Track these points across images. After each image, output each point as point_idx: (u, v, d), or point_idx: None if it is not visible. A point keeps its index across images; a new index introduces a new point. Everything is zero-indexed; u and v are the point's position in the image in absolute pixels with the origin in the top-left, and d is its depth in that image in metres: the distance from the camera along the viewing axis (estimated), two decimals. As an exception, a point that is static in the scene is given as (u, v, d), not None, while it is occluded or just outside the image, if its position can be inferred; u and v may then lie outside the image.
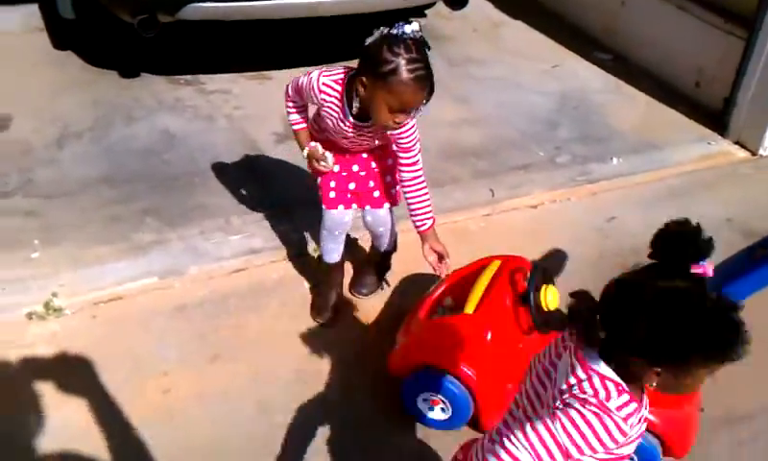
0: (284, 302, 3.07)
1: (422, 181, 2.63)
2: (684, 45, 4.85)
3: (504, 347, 2.47)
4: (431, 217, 2.65)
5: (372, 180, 2.78)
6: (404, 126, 2.48)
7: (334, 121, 2.54)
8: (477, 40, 5.52)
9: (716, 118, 4.60)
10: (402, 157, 2.58)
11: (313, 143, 2.69)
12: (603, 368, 1.49)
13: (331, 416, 2.61)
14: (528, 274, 2.51)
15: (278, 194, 3.62)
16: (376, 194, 2.81)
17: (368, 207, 2.85)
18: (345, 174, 2.76)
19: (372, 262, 3.12)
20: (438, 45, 5.24)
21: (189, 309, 2.99)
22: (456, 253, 2.92)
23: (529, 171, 3.96)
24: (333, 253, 2.93)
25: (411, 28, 2.27)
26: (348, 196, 2.80)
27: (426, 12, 5.41)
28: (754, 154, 4.38)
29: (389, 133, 2.52)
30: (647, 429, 2.25)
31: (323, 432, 2.55)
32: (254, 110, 4.32)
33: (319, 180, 2.78)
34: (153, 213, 3.43)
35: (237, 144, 4.01)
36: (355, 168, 2.76)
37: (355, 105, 2.45)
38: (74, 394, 2.60)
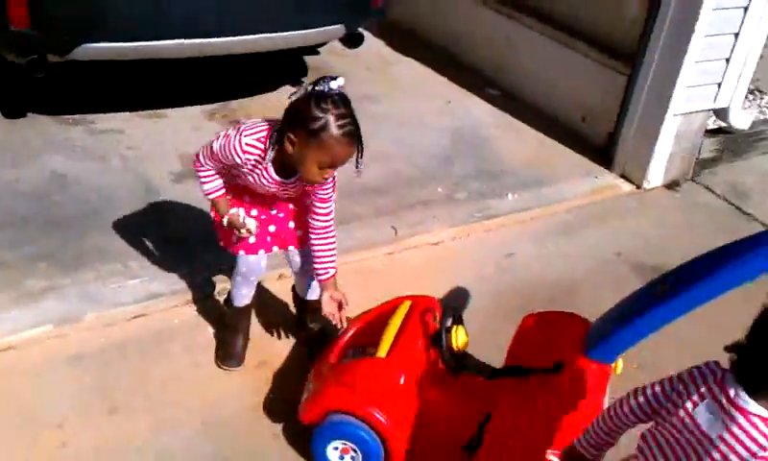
0: (187, 347, 3.00)
1: (332, 231, 2.64)
2: (570, 81, 5.05)
3: (415, 391, 2.48)
4: (334, 266, 2.66)
5: (291, 220, 2.75)
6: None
7: (256, 177, 2.51)
8: (371, 78, 5.59)
9: (602, 152, 4.80)
10: (317, 207, 2.59)
11: (234, 210, 2.64)
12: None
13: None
14: (438, 315, 2.54)
15: (177, 236, 3.54)
16: (299, 233, 2.77)
17: (291, 248, 2.81)
18: (264, 217, 2.72)
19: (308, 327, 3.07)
20: (331, 82, 5.29)
21: (86, 358, 2.89)
22: (361, 292, 2.95)
23: (429, 207, 4.02)
24: (245, 298, 2.89)
25: (336, 83, 2.28)
26: (268, 239, 2.75)
27: (320, 49, 5.44)
28: (638, 187, 4.59)
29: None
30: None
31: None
32: (149, 150, 4.23)
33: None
34: (45, 258, 3.30)
35: (133, 184, 3.91)
36: (273, 211, 2.72)
37: (279, 161, 2.44)
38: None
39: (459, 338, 2.52)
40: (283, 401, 2.79)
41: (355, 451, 2.49)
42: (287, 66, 5.43)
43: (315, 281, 2.83)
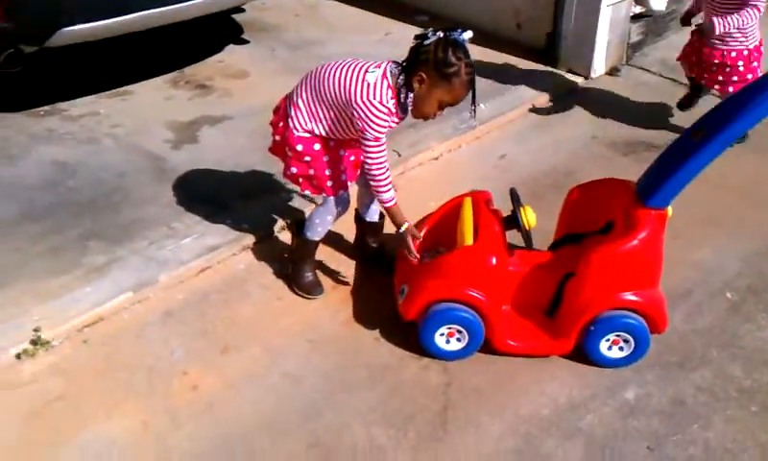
0: (263, 285, 3.20)
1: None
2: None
3: (501, 269, 2.80)
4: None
5: (353, 154, 2.96)
6: None
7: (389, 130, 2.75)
8: (306, 24, 5.76)
9: (543, 53, 5.19)
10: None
11: (408, 222, 2.85)
12: None
13: (356, 369, 2.83)
14: (510, 199, 2.87)
15: (205, 192, 3.69)
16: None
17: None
18: (346, 151, 2.93)
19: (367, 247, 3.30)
20: (272, 34, 5.46)
21: (177, 313, 3.05)
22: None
23: (417, 129, 4.28)
24: (323, 233, 3.10)
25: (467, 35, 2.61)
26: (343, 178, 2.96)
27: (245, 6, 5.54)
28: (586, 77, 5.03)
29: None
30: (632, 309, 2.71)
31: (352, 384, 2.77)
32: (135, 125, 4.30)
33: (311, 171, 2.90)
34: (91, 237, 3.39)
35: (136, 157, 4.00)
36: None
37: (409, 101, 2.72)
38: (106, 408, 2.63)
39: (530, 217, 2.85)
40: (368, 311, 3.07)
41: (460, 332, 2.80)
42: (221, 28, 5.53)
43: (375, 205, 3.12)
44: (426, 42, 2.61)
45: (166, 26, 4.48)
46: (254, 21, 5.67)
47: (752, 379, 2.83)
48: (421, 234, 3.01)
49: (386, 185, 2.77)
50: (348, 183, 2.99)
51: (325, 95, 2.75)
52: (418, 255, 2.87)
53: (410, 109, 2.78)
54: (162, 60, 5.00)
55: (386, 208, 2.84)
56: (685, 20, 4.36)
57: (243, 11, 5.68)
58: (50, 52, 4.13)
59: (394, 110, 2.69)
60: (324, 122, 2.80)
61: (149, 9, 4.17)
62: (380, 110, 2.65)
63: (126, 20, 4.11)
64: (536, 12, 5.23)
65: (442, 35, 2.60)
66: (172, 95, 4.67)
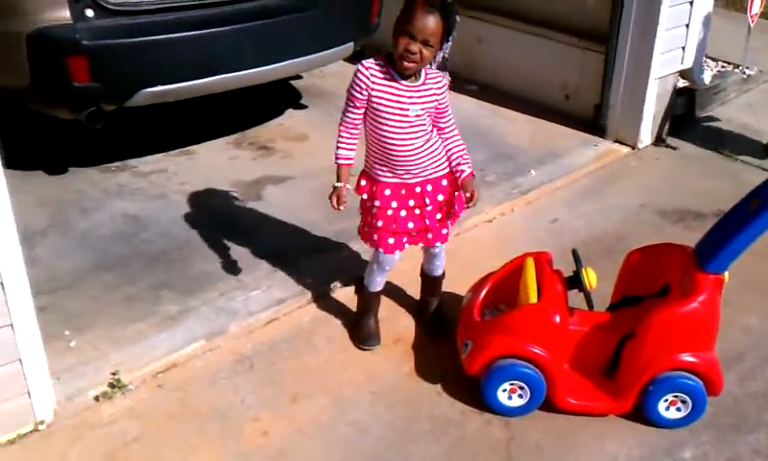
0: (328, 338, 3.33)
1: (459, 136, 3.06)
2: (547, 66, 5.60)
3: (563, 328, 2.91)
4: (470, 165, 3.05)
5: (427, 218, 3.07)
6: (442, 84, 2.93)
7: (388, 98, 2.86)
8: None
9: (590, 124, 5.35)
10: (443, 120, 3.00)
11: (342, 185, 2.96)
12: None
13: (420, 421, 2.93)
14: (572, 260, 2.99)
15: (270, 247, 3.85)
16: (429, 236, 3.11)
17: (420, 244, 3.17)
18: (403, 214, 3.04)
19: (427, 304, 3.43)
20: (329, 99, 5.67)
21: (247, 361, 3.18)
22: (453, 270, 3.40)
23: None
24: (379, 285, 3.25)
25: None
26: (404, 240, 3.08)
27: (304, 74, 5.79)
28: (633, 147, 5.17)
29: (433, 98, 2.90)
30: (690, 371, 2.80)
31: (416, 435, 2.87)
32: (201, 183, 4.50)
33: (379, 223, 3.03)
34: (164, 287, 3.56)
35: (204, 212, 4.19)
36: (411, 203, 3.03)
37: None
38: (181, 452, 2.76)
39: (591, 278, 2.97)
40: (430, 365, 3.18)
41: (522, 388, 2.90)
42: (281, 93, 5.77)
43: (439, 261, 3.27)
44: None
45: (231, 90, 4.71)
46: (312, 87, 5.91)
47: (806, 444, 2.89)
48: (482, 293, 3.14)
49: (337, 141, 2.97)
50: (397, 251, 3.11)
51: None
52: (337, 207, 2.96)
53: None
54: (225, 122, 5.23)
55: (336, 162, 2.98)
56: None
57: (301, 77, 5.93)
58: (122, 111, 4.36)
59: (378, 65, 2.85)
60: None
61: (225, 73, 4.38)
62: (357, 70, 2.86)
63: (203, 83, 4.32)
64: (583, 84, 5.41)
65: None
66: (236, 155, 4.88)
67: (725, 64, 6.42)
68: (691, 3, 5.06)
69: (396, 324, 3.42)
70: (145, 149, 4.83)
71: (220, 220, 4.13)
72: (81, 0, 3.93)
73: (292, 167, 4.70)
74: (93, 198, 4.33)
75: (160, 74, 4.15)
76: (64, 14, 3.91)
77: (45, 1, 3.91)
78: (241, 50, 4.38)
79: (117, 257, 3.79)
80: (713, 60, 6.38)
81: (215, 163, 4.78)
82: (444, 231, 3.16)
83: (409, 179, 3.00)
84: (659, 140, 5.27)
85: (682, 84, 5.44)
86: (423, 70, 2.88)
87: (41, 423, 2.84)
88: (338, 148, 2.98)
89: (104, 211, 4.19)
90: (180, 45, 4.17)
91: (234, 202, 4.30)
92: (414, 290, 3.49)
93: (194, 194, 4.38)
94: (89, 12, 3.97)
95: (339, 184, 2.96)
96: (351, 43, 4.97)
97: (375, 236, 3.09)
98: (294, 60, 4.64)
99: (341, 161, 2.97)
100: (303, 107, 5.66)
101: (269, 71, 4.57)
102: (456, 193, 3.09)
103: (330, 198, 2.96)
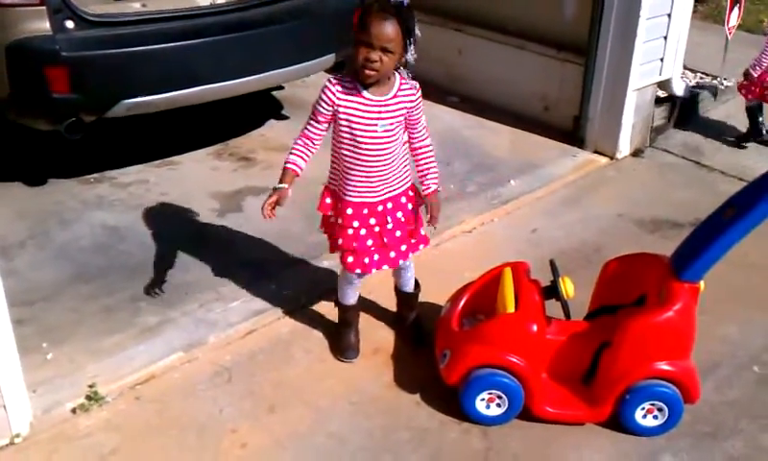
0: (306, 349, 3.33)
1: (431, 151, 3.03)
2: (527, 77, 5.64)
3: (541, 337, 2.92)
4: (437, 182, 3.03)
5: (386, 236, 3.02)
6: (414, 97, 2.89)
7: (355, 112, 2.83)
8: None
9: (570, 134, 5.39)
10: (415, 131, 2.97)
11: (284, 186, 2.94)
12: None
13: (399, 431, 2.94)
14: (550, 269, 3.01)
15: (250, 259, 3.86)
16: (392, 254, 3.08)
17: (385, 267, 3.14)
18: (363, 233, 3.00)
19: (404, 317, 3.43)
20: (308, 111, 5.62)
21: (226, 373, 3.17)
22: (430, 280, 3.44)
23: (451, 203, 4.46)
24: (352, 298, 3.25)
25: None
26: (376, 257, 3.05)
27: (285, 84, 5.78)
28: (611, 158, 5.21)
29: (404, 110, 2.88)
30: (666, 379, 2.82)
31: (395, 445, 2.88)
32: (181, 194, 4.49)
33: (340, 241, 3.02)
34: (142, 299, 3.55)
35: (182, 224, 4.19)
36: (372, 221, 3.00)
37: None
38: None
39: (568, 288, 2.98)
40: (409, 375, 3.19)
41: (500, 397, 2.91)
42: (263, 104, 5.78)
43: (409, 273, 3.29)
44: None
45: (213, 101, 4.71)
46: (293, 97, 5.92)
47: (782, 451, 2.92)
48: (461, 303, 3.15)
49: (291, 149, 2.96)
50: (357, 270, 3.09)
51: None
52: (270, 213, 2.92)
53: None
54: (206, 133, 5.23)
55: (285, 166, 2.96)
56: None
57: (282, 88, 5.94)
58: (101, 122, 4.34)
59: (343, 82, 2.83)
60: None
61: (205, 84, 4.38)
62: (324, 85, 2.84)
63: (184, 94, 4.32)
64: (563, 95, 5.44)
65: None
66: (217, 166, 4.88)
67: (703, 76, 6.48)
68: (669, 15, 5.11)
69: (375, 334, 3.42)
70: (126, 160, 4.83)
71: (199, 231, 4.13)
72: (61, 11, 3.93)
73: (273, 178, 4.51)
74: (72, 209, 4.32)
75: (140, 85, 4.14)
76: (44, 25, 3.91)
77: (25, 12, 3.91)
78: (222, 61, 4.38)
79: (96, 269, 3.78)
80: (692, 71, 6.44)
81: (196, 174, 4.78)
82: (404, 248, 3.10)
83: (372, 197, 2.98)
84: (637, 151, 5.31)
85: (660, 94, 5.48)
86: (397, 82, 2.87)
87: (17, 436, 2.82)
88: (290, 154, 2.95)
89: (83, 223, 4.18)
90: (161, 56, 4.17)
91: (214, 213, 4.30)
92: (393, 300, 3.49)
93: (174, 205, 4.37)
94: (69, 24, 3.97)
95: (281, 186, 2.92)
96: (333, 54, 4.97)
97: (338, 252, 3.10)
98: (275, 71, 4.64)
99: (289, 166, 2.94)
100: (285, 117, 5.67)
101: (250, 82, 4.57)
102: (418, 213, 3.09)
103: (269, 197, 2.91)
